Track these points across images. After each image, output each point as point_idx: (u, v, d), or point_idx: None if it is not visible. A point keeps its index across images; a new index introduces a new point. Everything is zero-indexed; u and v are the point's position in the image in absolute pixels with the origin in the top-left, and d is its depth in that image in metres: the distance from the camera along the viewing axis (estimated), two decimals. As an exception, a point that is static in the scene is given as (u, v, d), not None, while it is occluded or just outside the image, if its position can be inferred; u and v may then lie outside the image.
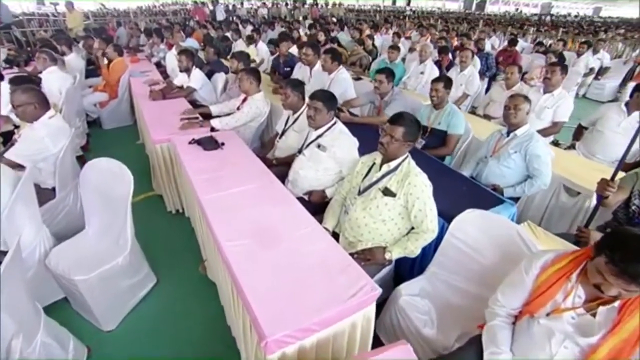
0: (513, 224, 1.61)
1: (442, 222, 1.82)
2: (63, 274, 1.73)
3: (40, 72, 3.65)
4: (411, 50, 7.04)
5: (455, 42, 7.29)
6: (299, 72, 4.01)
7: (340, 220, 1.88)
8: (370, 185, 1.75)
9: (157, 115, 2.93)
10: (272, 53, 5.47)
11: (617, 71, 6.79)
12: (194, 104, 3.74)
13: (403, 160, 1.72)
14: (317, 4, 15.66)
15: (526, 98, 2.22)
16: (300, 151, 2.21)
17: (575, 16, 24.23)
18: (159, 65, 5.43)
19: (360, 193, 1.78)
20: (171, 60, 4.98)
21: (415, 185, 1.64)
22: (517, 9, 30.87)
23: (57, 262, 1.79)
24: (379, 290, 1.28)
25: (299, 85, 2.43)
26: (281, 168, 2.49)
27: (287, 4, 16.05)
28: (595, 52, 6.63)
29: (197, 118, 2.91)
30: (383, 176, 1.73)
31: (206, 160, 2.10)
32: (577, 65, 6.12)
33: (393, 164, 1.71)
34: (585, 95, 6.92)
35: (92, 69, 5.76)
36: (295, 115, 2.50)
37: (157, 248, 2.45)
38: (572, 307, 1.15)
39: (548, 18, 20.31)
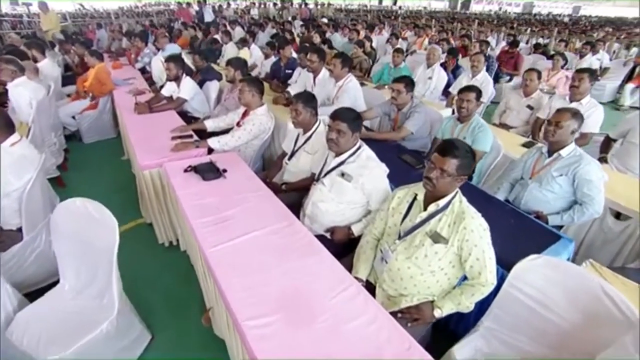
0: (593, 276, 1.32)
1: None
2: (30, 351, 1.37)
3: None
4: (408, 52, 6.80)
5: (453, 43, 7.09)
6: (301, 79, 3.68)
7: (376, 268, 1.56)
8: (414, 228, 1.44)
9: (144, 134, 2.55)
10: (265, 56, 5.10)
11: (616, 72, 6.69)
12: (185, 115, 3.37)
13: (453, 198, 1.42)
14: (306, 4, 15.29)
15: (574, 114, 1.94)
16: (317, 179, 1.88)
17: (559, 15, 24.57)
18: (143, 71, 5.00)
19: (400, 237, 1.47)
20: (157, 65, 4.58)
21: (472, 231, 1.34)
22: (500, 8, 31.20)
23: (22, 334, 1.42)
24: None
25: (311, 99, 2.10)
26: (292, 195, 2.16)
27: (275, 4, 15.61)
28: (594, 52, 6.52)
29: (190, 136, 2.55)
30: (430, 217, 1.42)
31: (207, 195, 1.75)
32: (579, 66, 5.97)
33: (442, 202, 1.41)
34: (585, 96, 6.80)
35: (70, 75, 5.29)
36: (307, 134, 2.17)
37: (149, 292, 2.10)
38: None
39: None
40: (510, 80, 5.94)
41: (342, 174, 1.73)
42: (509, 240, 1.65)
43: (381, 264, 1.52)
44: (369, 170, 1.70)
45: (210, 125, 2.72)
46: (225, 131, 2.78)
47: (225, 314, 1.41)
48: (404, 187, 1.59)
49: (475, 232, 1.35)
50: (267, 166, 3.12)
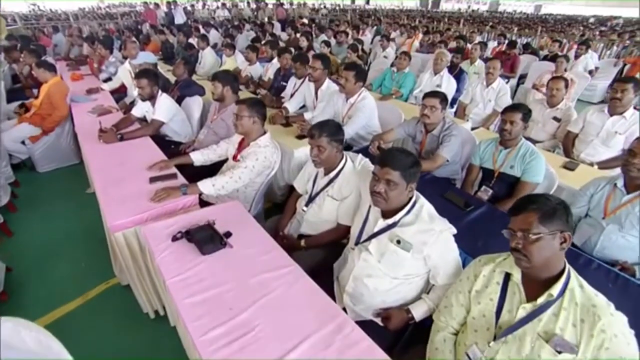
0: None
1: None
2: None
3: None
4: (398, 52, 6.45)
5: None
6: (299, 91, 3.17)
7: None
8: (518, 326, 1.01)
9: (113, 175, 1.98)
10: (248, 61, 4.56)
11: (606, 71, 6.65)
12: (163, 140, 2.81)
13: (568, 279, 1.00)
14: (282, 4, 14.68)
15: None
16: (357, 242, 1.41)
17: (521, 13, 25.28)
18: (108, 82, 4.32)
19: (497, 337, 1.03)
20: (125, 76, 3.95)
21: (616, 335, 0.92)
22: (469, 6, 31.85)
23: None
24: None
25: (337, 131, 1.62)
26: (313, 253, 1.69)
27: (249, 4, 14.89)
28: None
29: (174, 175, 2.01)
30: (539, 310, 0.99)
31: (211, 282, 1.22)
32: (575, 67, 5.83)
33: (555, 289, 0.98)
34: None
35: (18, 89, 4.54)
36: (331, 175, 1.70)
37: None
38: None
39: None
40: (507, 83, 5.71)
41: (398, 242, 1.27)
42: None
43: (471, 376, 1.08)
44: (435, 236, 1.24)
45: (198, 158, 2.18)
46: (217, 163, 2.28)
47: None
48: (487, 261, 1.16)
49: (620, 337, 0.93)
50: (267, 199, 2.62)
